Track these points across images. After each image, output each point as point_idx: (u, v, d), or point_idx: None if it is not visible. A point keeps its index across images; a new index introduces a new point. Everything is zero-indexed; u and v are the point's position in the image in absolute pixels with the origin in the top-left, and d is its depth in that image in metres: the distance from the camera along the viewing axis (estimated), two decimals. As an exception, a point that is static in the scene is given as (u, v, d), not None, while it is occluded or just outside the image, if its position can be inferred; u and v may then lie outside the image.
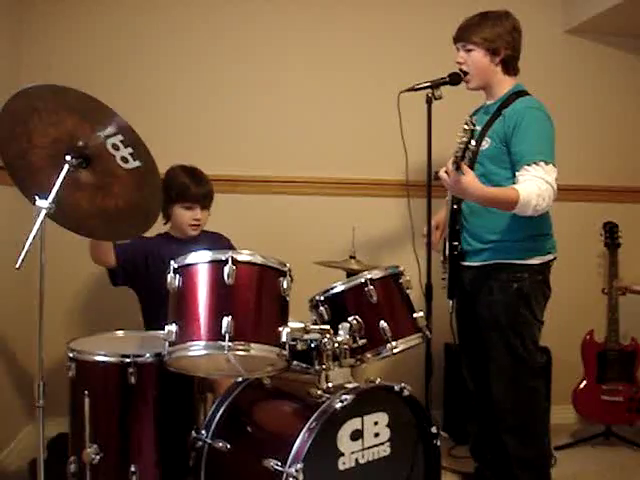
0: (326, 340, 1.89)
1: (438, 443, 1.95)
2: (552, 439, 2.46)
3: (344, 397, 1.75)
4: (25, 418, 2.82)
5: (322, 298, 2.05)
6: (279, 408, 2.04)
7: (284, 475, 1.65)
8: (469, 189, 2.02)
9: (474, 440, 2.54)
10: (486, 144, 2.26)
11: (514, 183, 2.16)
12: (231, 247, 2.56)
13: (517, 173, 2.16)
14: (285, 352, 1.77)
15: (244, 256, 1.78)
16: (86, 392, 1.84)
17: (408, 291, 2.10)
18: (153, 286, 2.23)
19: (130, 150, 1.74)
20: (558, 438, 2.97)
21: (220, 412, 1.97)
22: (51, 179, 1.74)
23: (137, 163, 1.76)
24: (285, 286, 1.82)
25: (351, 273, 2.34)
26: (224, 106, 3.08)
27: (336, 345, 1.90)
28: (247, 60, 3.10)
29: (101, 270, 2.45)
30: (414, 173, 2.63)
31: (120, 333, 2.19)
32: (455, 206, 2.36)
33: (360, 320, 1.99)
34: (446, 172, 2.02)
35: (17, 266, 1.58)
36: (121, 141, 1.73)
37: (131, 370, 1.85)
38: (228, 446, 1.87)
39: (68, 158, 1.76)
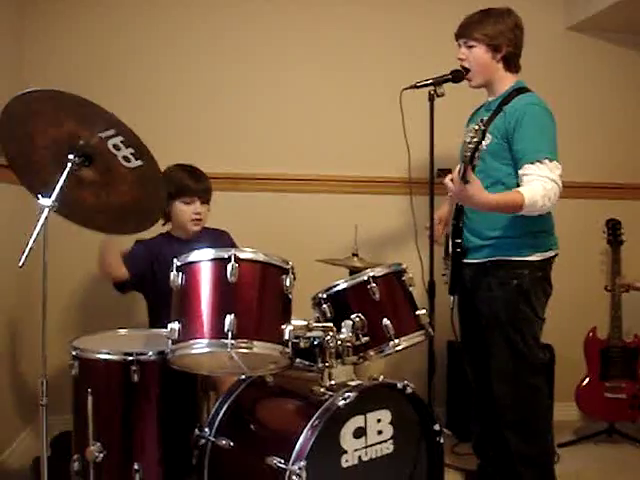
0: (329, 338, 1.88)
1: (441, 440, 1.94)
2: (555, 436, 2.45)
3: (347, 395, 1.74)
4: (27, 418, 2.82)
5: (325, 296, 2.05)
6: (282, 406, 2.04)
7: (287, 473, 1.65)
8: (473, 198, 2.00)
9: (477, 437, 2.54)
10: (487, 140, 2.25)
11: (515, 179, 2.16)
12: (232, 243, 2.57)
13: (520, 172, 2.15)
14: (288, 350, 1.77)
15: (247, 254, 1.78)
16: (89, 390, 1.84)
17: (411, 288, 2.10)
18: (159, 288, 2.22)
19: (131, 150, 1.75)
20: (561, 435, 2.97)
21: (223, 410, 1.96)
22: (55, 178, 1.74)
23: (139, 162, 1.77)
24: (288, 284, 1.82)
25: (354, 271, 2.33)
26: (224, 106, 3.08)
27: (339, 343, 1.90)
28: (247, 60, 3.10)
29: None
30: (417, 170, 2.62)
31: (123, 331, 2.18)
32: (459, 203, 2.36)
33: (363, 318, 1.99)
34: (451, 180, 1.99)
35: (20, 264, 1.58)
36: (122, 142, 1.73)
37: (134, 368, 1.84)
38: (231, 444, 1.86)
39: (71, 157, 1.77)
